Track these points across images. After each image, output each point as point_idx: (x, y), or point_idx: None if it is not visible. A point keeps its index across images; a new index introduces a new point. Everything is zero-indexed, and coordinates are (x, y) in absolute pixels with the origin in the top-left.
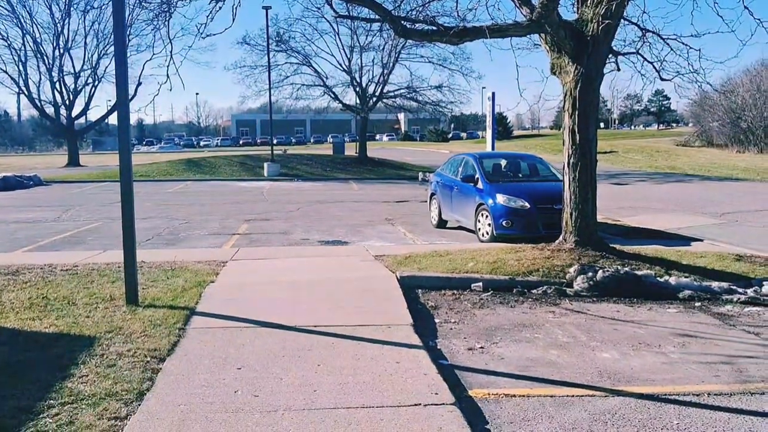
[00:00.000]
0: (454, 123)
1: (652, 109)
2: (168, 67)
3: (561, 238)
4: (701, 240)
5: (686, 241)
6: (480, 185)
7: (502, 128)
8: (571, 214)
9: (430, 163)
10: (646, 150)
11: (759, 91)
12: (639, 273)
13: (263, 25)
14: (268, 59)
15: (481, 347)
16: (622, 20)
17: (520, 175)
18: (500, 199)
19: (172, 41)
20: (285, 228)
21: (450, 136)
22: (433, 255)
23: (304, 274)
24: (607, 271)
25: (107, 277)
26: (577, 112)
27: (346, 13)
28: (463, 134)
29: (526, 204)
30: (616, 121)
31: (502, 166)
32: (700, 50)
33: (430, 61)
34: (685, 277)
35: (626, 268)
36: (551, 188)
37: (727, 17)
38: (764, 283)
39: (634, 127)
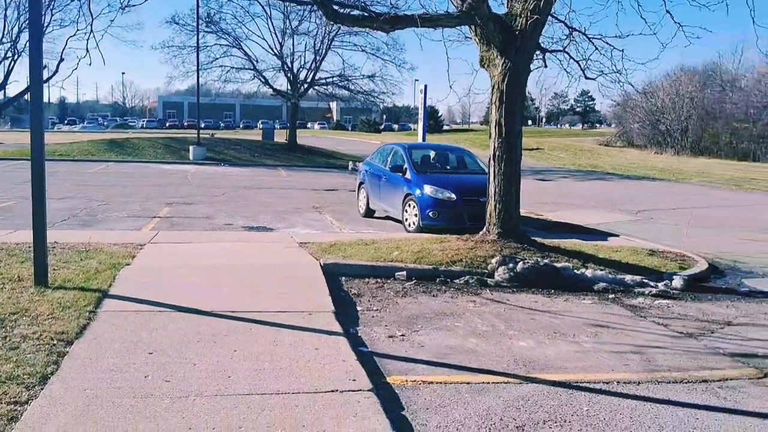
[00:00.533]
0: (386, 114)
1: (577, 109)
2: (87, 41)
3: (485, 229)
4: (617, 235)
5: (604, 236)
6: (408, 176)
7: (434, 122)
8: (495, 207)
9: (361, 152)
10: (571, 148)
11: (678, 95)
12: (558, 265)
13: (193, 5)
14: (197, 40)
15: (402, 335)
16: (549, 17)
17: (448, 168)
18: (428, 190)
19: (94, 16)
20: (208, 212)
21: (382, 127)
22: (359, 243)
23: (225, 259)
24: (527, 262)
25: (16, 257)
26: (504, 106)
27: None
28: (395, 126)
29: (453, 196)
30: (543, 120)
31: (431, 158)
32: (623, 51)
33: (363, 50)
34: (601, 270)
35: (546, 260)
36: (478, 181)
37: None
38: (674, 277)
39: (560, 126)
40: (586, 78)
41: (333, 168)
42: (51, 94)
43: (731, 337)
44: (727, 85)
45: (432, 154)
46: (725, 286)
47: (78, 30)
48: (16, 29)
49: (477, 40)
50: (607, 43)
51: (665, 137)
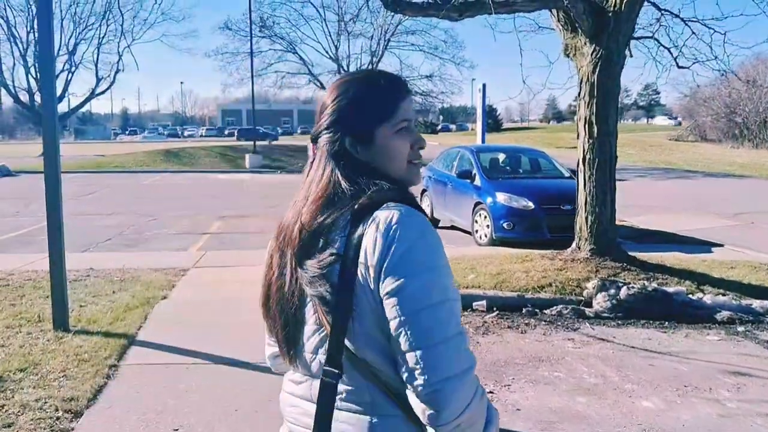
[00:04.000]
0: (443, 115)
1: (641, 103)
2: (119, 44)
3: (574, 245)
4: (722, 245)
5: (706, 246)
6: (478, 182)
7: (492, 121)
8: (586, 219)
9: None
10: (639, 144)
11: (755, 85)
12: (669, 290)
13: (246, 10)
14: (251, 45)
15: (490, 392)
16: None
17: (522, 172)
18: (501, 197)
19: (148, 25)
20: (263, 226)
21: (439, 128)
22: None
23: None
24: (633, 287)
25: (41, 291)
26: (594, 101)
27: None
28: (453, 126)
29: (530, 204)
30: None
31: (502, 161)
32: (725, 34)
33: (420, 50)
34: (722, 294)
35: (653, 284)
36: (558, 187)
37: None
38: None
39: (623, 120)
40: (679, 67)
41: None
42: (114, 105)
43: None
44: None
45: (503, 157)
46: None
47: (134, 40)
48: (72, 41)
49: (560, 26)
50: (706, 26)
51: (742, 130)
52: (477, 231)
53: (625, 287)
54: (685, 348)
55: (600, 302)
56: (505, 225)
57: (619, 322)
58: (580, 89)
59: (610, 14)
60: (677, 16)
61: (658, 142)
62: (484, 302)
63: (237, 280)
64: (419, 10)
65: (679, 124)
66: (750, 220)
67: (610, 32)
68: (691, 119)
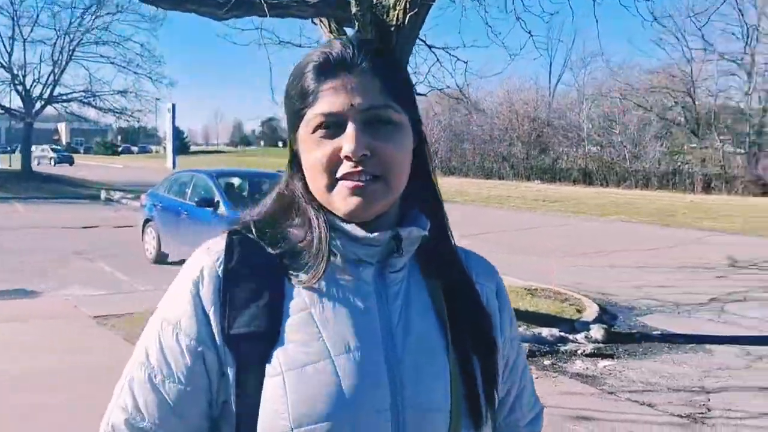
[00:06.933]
0: (122, 135)
1: None
2: None
3: None
4: None
5: None
6: (222, 210)
7: (179, 143)
8: None
9: (109, 179)
10: None
11: (427, 116)
12: None
13: None
14: None
15: None
16: None
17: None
18: None
19: None
20: None
21: (120, 149)
22: None
23: None
24: None
25: None
26: None
27: None
28: (134, 148)
29: None
30: None
31: (245, 187)
32: (467, 62)
33: (112, 62)
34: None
35: None
36: None
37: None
38: (591, 326)
39: None
40: (417, 94)
41: (82, 199)
42: None
43: (736, 415)
44: (472, 108)
45: (246, 182)
46: (634, 330)
47: None
48: None
49: (332, 37)
50: (449, 53)
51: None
52: None
53: None
54: None
55: None
56: None
57: None
58: None
59: (393, 29)
60: (424, 41)
61: None
62: None
63: None
64: (176, 3)
65: None
66: (484, 236)
67: (393, 47)
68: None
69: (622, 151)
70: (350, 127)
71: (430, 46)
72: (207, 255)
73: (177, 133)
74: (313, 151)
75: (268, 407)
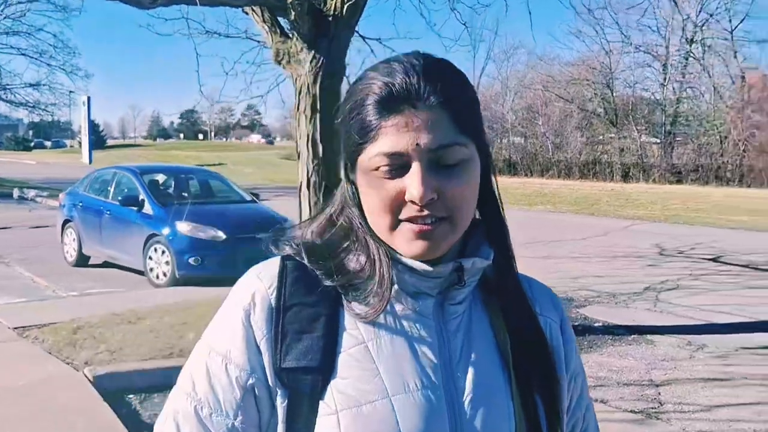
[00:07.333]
0: (35, 129)
1: (245, 123)
2: None
3: None
4: None
5: None
6: (149, 209)
7: (95, 137)
8: None
9: (22, 176)
10: (256, 162)
11: None
12: None
13: None
14: None
15: None
16: None
17: (201, 196)
18: (183, 228)
19: None
20: None
21: (32, 144)
22: (119, 322)
23: None
24: None
25: None
26: (318, 116)
27: None
28: (48, 143)
29: (221, 234)
30: (213, 134)
31: (174, 185)
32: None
33: (24, 54)
34: None
35: None
36: (249, 213)
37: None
38: None
39: (229, 139)
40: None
41: None
42: None
43: (688, 407)
44: None
45: (174, 179)
46: (576, 323)
47: None
48: None
49: (266, 27)
50: (384, 45)
51: None
52: (152, 269)
53: None
54: None
55: None
56: (191, 260)
57: None
58: (300, 102)
59: (330, 18)
60: (357, 32)
61: (274, 161)
62: None
63: None
64: None
65: (271, 142)
66: None
67: (331, 38)
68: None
69: (545, 141)
70: (415, 169)
71: (363, 38)
72: (259, 281)
73: (93, 127)
74: (375, 190)
75: None
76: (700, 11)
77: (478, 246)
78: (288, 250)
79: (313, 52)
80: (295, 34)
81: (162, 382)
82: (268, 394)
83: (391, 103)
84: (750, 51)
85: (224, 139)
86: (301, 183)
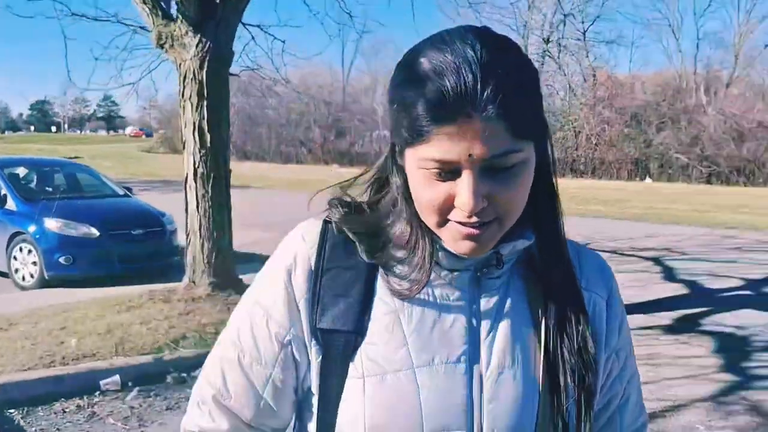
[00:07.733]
0: None
1: (100, 115)
2: None
3: (186, 280)
4: None
5: None
6: (11, 205)
7: None
8: (202, 246)
9: None
10: (115, 156)
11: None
12: None
13: None
14: None
15: None
16: None
17: (69, 191)
18: (51, 224)
19: None
20: None
21: None
22: None
23: None
24: None
25: None
26: (205, 103)
27: None
28: None
29: (94, 230)
30: (67, 126)
31: (38, 178)
32: (284, 42)
33: None
34: None
35: None
36: (123, 207)
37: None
38: None
39: (84, 132)
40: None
41: None
42: None
43: None
44: (267, 91)
45: (38, 172)
46: None
47: None
48: None
49: (147, 9)
50: (266, 32)
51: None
52: (18, 270)
53: None
54: None
55: None
56: (61, 260)
57: None
58: (184, 89)
59: (218, 1)
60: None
61: (135, 154)
62: (117, 377)
63: None
64: None
65: (150, 134)
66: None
67: (218, 21)
68: (165, 130)
69: None
70: (466, 178)
71: (244, 24)
72: (302, 241)
73: None
74: (424, 189)
75: (347, 408)
76: (555, 12)
77: (520, 228)
78: (336, 216)
79: (199, 35)
80: (180, 17)
81: (45, 392)
82: (304, 349)
83: (442, 111)
84: (600, 51)
85: (79, 132)
86: (187, 174)
